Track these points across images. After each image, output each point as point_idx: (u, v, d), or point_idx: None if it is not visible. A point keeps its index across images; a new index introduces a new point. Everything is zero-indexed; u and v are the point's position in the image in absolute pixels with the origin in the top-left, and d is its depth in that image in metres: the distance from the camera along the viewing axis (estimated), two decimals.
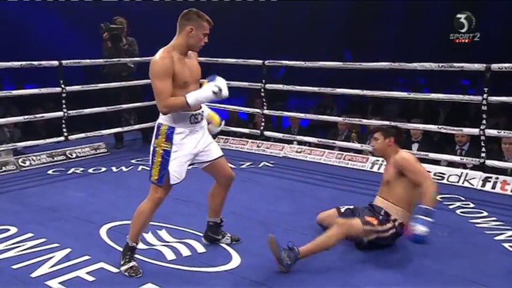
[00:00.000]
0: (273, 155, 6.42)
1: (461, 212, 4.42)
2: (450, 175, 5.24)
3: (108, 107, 6.49)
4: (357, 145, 6.12)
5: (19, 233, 3.89)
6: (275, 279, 3.17)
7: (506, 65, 4.82)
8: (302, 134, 6.64)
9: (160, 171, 3.17)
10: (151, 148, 3.22)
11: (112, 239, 3.75)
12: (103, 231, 3.90)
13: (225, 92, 3.10)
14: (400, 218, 3.60)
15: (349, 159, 5.97)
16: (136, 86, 6.78)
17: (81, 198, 4.78)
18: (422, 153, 5.32)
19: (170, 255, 3.51)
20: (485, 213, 4.36)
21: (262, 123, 6.55)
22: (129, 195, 4.77)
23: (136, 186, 5.08)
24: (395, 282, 3.18)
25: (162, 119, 3.20)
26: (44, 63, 5.86)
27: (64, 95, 5.96)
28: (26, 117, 6.03)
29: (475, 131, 5.12)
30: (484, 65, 4.93)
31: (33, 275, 3.24)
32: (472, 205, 4.57)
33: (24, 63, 5.68)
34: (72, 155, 6.23)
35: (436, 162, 5.47)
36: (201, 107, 3.29)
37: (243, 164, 5.92)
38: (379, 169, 5.64)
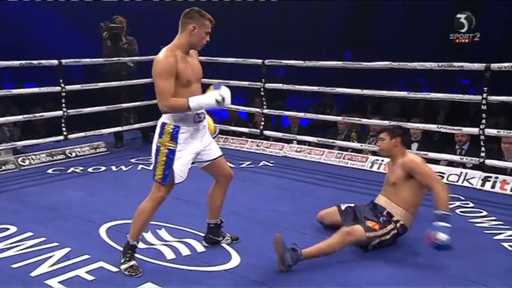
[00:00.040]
0: (272, 154, 6.42)
1: (460, 212, 4.42)
2: (450, 174, 5.24)
3: (108, 106, 6.49)
4: (356, 144, 6.12)
5: (19, 232, 3.89)
6: (275, 279, 3.17)
7: (506, 64, 4.82)
8: (302, 133, 6.63)
9: (164, 171, 3.17)
10: (155, 147, 3.22)
11: (111, 238, 3.75)
12: (102, 231, 3.91)
13: (228, 102, 3.14)
14: (403, 220, 3.61)
15: (348, 159, 5.97)
16: (136, 85, 6.78)
17: (80, 197, 4.78)
18: (422, 152, 5.31)
19: (170, 254, 3.51)
20: (484, 213, 4.36)
21: (262, 123, 6.55)
22: (129, 194, 4.78)
23: (136, 185, 5.09)
24: (395, 281, 3.18)
25: (166, 118, 3.21)
26: (43, 62, 5.86)
27: (64, 94, 5.96)
28: (25, 116, 6.04)
29: (474, 130, 5.12)
30: (484, 64, 4.93)
31: (33, 274, 3.24)
32: (471, 204, 4.57)
33: (23, 62, 5.67)
34: (71, 154, 6.24)
35: (436, 161, 5.47)
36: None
37: (242, 164, 5.92)
38: (378, 168, 5.65)
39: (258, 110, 6.66)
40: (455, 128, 5.34)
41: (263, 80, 6.39)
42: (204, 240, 3.65)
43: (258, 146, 6.65)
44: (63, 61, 5.93)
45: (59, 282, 3.13)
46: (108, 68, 6.64)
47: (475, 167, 5.29)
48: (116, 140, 6.87)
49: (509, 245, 3.70)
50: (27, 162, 5.87)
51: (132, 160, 6.09)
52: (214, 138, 3.49)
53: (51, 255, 3.47)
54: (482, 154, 5.01)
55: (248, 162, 6.00)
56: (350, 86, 6.01)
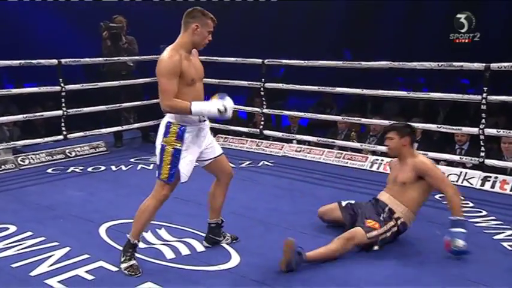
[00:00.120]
0: (272, 154, 6.42)
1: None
2: (449, 174, 5.24)
3: (108, 106, 6.49)
4: (356, 144, 6.12)
5: (18, 231, 3.89)
6: (274, 278, 3.17)
7: (506, 64, 4.83)
8: (301, 133, 6.64)
9: (170, 170, 3.18)
10: (159, 146, 3.22)
11: (111, 237, 3.75)
12: (102, 230, 3.90)
13: (229, 114, 3.16)
14: (404, 217, 3.62)
15: (348, 158, 5.97)
16: (135, 84, 6.78)
17: (80, 197, 4.78)
18: (421, 152, 5.30)
19: (170, 254, 3.50)
20: (484, 213, 4.36)
21: (262, 122, 6.55)
22: (129, 194, 4.78)
23: (135, 184, 5.09)
24: (395, 281, 3.18)
25: (171, 118, 3.22)
26: (43, 61, 5.86)
27: (63, 93, 5.96)
28: (25, 115, 6.03)
29: (474, 130, 5.12)
30: (484, 64, 4.93)
31: (33, 273, 3.24)
32: (471, 204, 4.57)
33: (23, 61, 5.67)
34: (71, 154, 6.23)
35: (436, 161, 5.45)
36: None
37: (242, 163, 5.92)
38: (378, 168, 5.65)
39: (257, 109, 6.66)
40: (455, 127, 5.34)
41: (263, 79, 6.39)
42: (205, 240, 3.65)
43: (257, 145, 6.65)
44: (63, 61, 5.93)
45: (59, 281, 3.13)
46: (108, 68, 6.64)
47: (474, 167, 5.29)
48: (115, 139, 6.87)
49: (508, 245, 3.70)
50: (26, 161, 5.87)
51: (132, 160, 6.09)
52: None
53: (50, 255, 3.47)
54: (482, 154, 5.01)
55: (248, 162, 6.00)
56: (350, 86, 6.01)
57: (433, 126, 5.54)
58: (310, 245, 3.36)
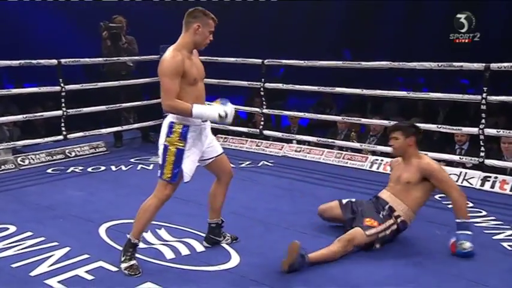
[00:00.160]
0: (272, 154, 6.42)
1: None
2: (449, 174, 5.19)
3: (108, 106, 6.49)
4: (356, 144, 6.12)
5: (18, 231, 3.89)
6: (274, 278, 3.17)
7: (505, 64, 4.83)
8: (301, 133, 6.64)
9: (173, 169, 3.19)
10: (162, 146, 3.23)
11: (111, 237, 3.75)
12: (102, 230, 3.90)
13: (229, 121, 3.18)
14: (404, 216, 3.63)
15: (348, 159, 5.97)
16: (135, 84, 6.78)
17: (80, 197, 4.78)
18: (421, 152, 5.30)
19: (169, 254, 3.51)
20: (484, 213, 4.36)
21: (262, 122, 6.55)
22: (129, 194, 4.79)
23: (135, 185, 5.10)
24: (395, 281, 3.17)
25: (174, 118, 3.22)
26: (42, 61, 5.86)
27: (63, 93, 5.96)
28: (25, 116, 6.04)
29: (474, 130, 5.12)
30: (483, 64, 4.93)
31: (33, 273, 3.24)
32: (471, 204, 4.54)
33: (23, 61, 5.67)
34: (71, 154, 6.23)
35: (435, 161, 5.46)
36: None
37: (242, 163, 5.92)
38: (378, 168, 5.65)
39: (257, 109, 6.66)
40: (455, 127, 5.34)
41: (263, 79, 6.39)
42: (205, 240, 3.65)
43: (257, 145, 6.65)
44: (63, 61, 5.93)
45: (59, 281, 3.13)
46: (108, 68, 6.64)
47: (474, 167, 5.29)
48: (115, 139, 6.87)
49: (508, 245, 3.70)
50: (26, 161, 5.87)
51: (132, 160, 6.09)
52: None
53: (50, 255, 3.47)
54: (482, 154, 5.01)
55: (248, 162, 6.00)
56: (350, 86, 6.01)
57: (433, 126, 5.54)
58: (310, 245, 3.36)
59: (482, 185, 5.06)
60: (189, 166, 3.22)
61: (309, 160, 6.15)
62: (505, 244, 3.72)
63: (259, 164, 5.96)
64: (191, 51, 3.25)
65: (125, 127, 6.84)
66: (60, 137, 6.08)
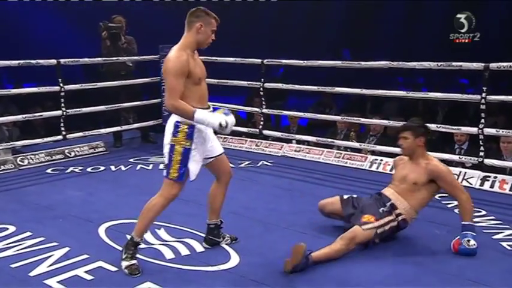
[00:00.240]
0: (271, 154, 6.42)
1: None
2: None
3: (107, 106, 6.49)
4: (355, 144, 6.12)
5: (17, 231, 3.88)
6: (274, 278, 3.17)
7: (505, 64, 4.82)
8: (301, 133, 6.63)
9: (180, 169, 3.19)
10: (168, 146, 3.23)
11: (111, 238, 3.75)
12: (102, 230, 3.90)
13: (228, 131, 3.25)
14: (406, 214, 3.63)
15: (347, 158, 5.97)
16: (135, 84, 6.78)
17: (79, 197, 4.78)
18: None
19: (169, 254, 3.50)
20: (483, 212, 4.36)
21: (261, 122, 6.55)
22: (128, 194, 4.78)
23: (135, 185, 5.10)
24: (395, 281, 3.17)
25: (179, 117, 3.22)
26: (42, 61, 5.86)
27: (63, 93, 5.96)
28: (24, 116, 6.04)
29: (473, 130, 5.12)
30: (483, 64, 4.93)
31: (32, 273, 3.23)
32: None
33: (22, 61, 5.67)
34: (70, 154, 6.23)
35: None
36: (209, 106, 3.34)
37: (241, 163, 5.92)
38: (377, 168, 5.65)
39: (257, 109, 6.66)
40: (454, 127, 5.34)
41: (262, 79, 6.39)
42: (204, 241, 3.64)
43: (257, 145, 6.65)
44: (62, 61, 5.93)
45: (58, 282, 3.13)
46: (107, 68, 6.63)
47: (474, 167, 5.29)
48: (115, 139, 6.87)
49: (508, 245, 3.70)
50: (26, 162, 5.87)
51: (131, 160, 6.09)
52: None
53: (50, 255, 3.47)
54: (481, 153, 5.01)
55: (247, 162, 6.00)
56: (349, 86, 6.01)
57: (432, 126, 5.50)
58: (310, 245, 3.34)
59: (481, 184, 5.06)
60: (195, 165, 3.24)
61: (308, 160, 6.15)
62: (504, 244, 3.72)
63: (259, 164, 5.96)
64: (194, 51, 3.27)
65: (124, 127, 6.84)
66: (60, 137, 6.08)
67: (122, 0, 9.81)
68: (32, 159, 5.93)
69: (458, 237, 3.51)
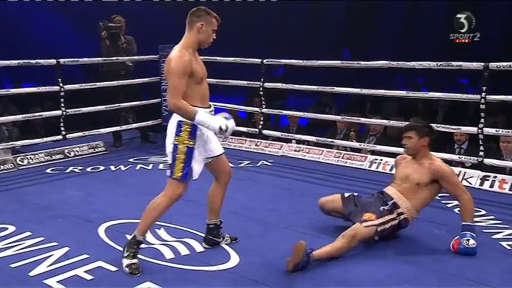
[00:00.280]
0: (271, 153, 6.42)
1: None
2: None
3: (107, 106, 6.49)
4: (355, 144, 6.12)
5: (17, 231, 3.88)
6: (274, 278, 3.17)
7: (504, 63, 4.82)
8: (301, 132, 6.63)
9: (183, 168, 3.20)
10: (171, 146, 3.22)
11: (110, 237, 3.75)
12: (101, 230, 3.90)
13: (228, 135, 3.28)
14: (407, 213, 3.64)
15: (347, 158, 5.96)
16: (134, 84, 6.79)
17: (79, 196, 4.77)
18: None
19: (169, 254, 3.50)
20: (483, 212, 4.35)
21: (261, 122, 6.55)
22: (128, 194, 4.78)
23: (134, 184, 5.09)
24: (395, 281, 3.17)
25: (182, 117, 3.22)
26: (41, 61, 5.86)
27: (62, 93, 5.96)
28: (24, 115, 6.04)
29: (473, 129, 5.12)
30: (482, 63, 4.93)
31: (32, 273, 3.23)
32: None
33: (21, 61, 5.67)
34: (70, 154, 6.23)
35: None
36: (210, 106, 3.34)
37: (241, 163, 5.92)
38: (377, 168, 5.65)
39: (257, 109, 6.66)
40: (454, 127, 5.34)
41: (262, 79, 6.39)
42: (204, 241, 3.64)
43: (256, 145, 6.65)
44: (62, 60, 5.93)
45: (58, 281, 3.13)
46: (107, 68, 6.63)
47: (473, 166, 5.29)
48: (114, 139, 6.87)
49: (507, 244, 3.70)
50: (25, 161, 5.87)
51: (131, 160, 6.09)
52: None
53: (50, 255, 3.46)
54: (481, 153, 5.01)
55: (247, 162, 5.99)
56: (349, 86, 6.01)
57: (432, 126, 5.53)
58: (310, 245, 3.34)
59: (481, 184, 5.06)
60: (198, 164, 3.26)
61: (308, 160, 6.15)
62: (504, 243, 3.72)
63: (259, 164, 5.96)
64: (195, 50, 3.28)
65: (124, 127, 6.83)
66: (59, 137, 6.07)
67: (122, 0, 9.81)
68: (32, 159, 5.93)
69: (458, 236, 3.51)
